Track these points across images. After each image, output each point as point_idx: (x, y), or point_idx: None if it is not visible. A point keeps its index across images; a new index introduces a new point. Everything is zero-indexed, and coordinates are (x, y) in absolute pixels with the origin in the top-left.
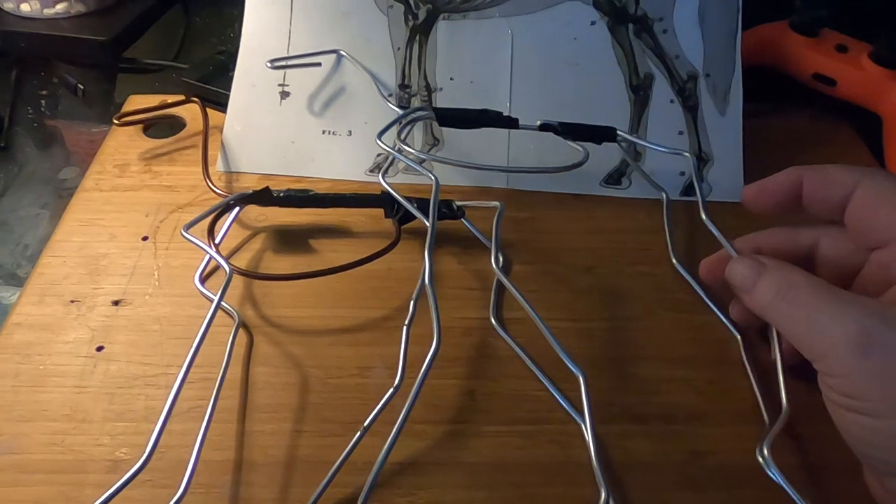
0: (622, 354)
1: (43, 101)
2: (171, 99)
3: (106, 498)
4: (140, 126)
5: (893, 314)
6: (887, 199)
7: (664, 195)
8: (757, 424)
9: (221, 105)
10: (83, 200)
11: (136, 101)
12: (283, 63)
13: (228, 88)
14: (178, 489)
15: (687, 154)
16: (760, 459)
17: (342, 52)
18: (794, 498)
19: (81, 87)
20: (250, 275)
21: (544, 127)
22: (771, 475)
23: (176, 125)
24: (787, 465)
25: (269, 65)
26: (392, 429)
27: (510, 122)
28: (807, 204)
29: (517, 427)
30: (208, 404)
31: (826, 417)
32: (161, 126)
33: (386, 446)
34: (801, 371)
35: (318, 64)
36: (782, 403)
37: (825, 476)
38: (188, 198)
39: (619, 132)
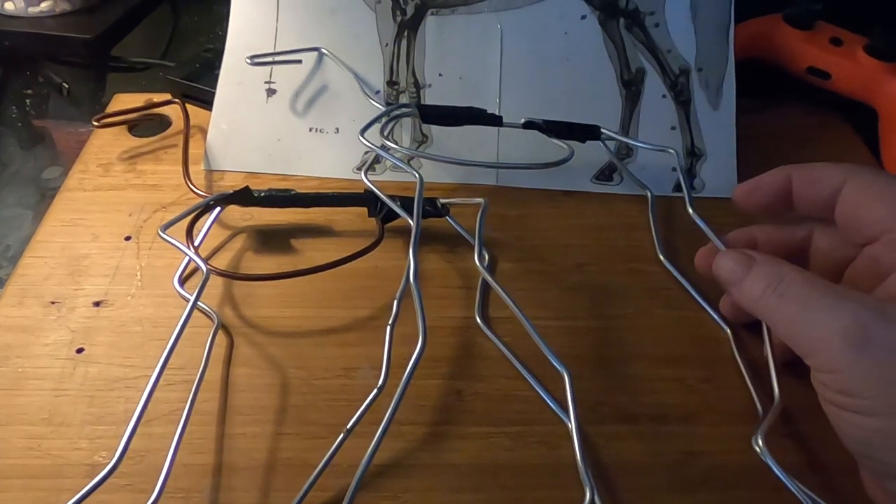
0: (612, 353)
1: (28, 101)
2: (156, 98)
3: (74, 502)
4: (125, 125)
5: (890, 309)
6: (874, 194)
7: (649, 193)
8: (751, 424)
9: (208, 103)
10: (66, 200)
11: (121, 101)
12: (262, 59)
13: (215, 86)
14: (153, 493)
15: (671, 151)
16: (756, 448)
17: (323, 50)
18: (791, 487)
19: (66, 86)
20: (228, 275)
21: (529, 125)
22: (767, 463)
23: (163, 123)
24: (787, 464)
25: (248, 61)
26: (376, 429)
27: (495, 120)
28: (797, 203)
29: (505, 428)
30: (186, 406)
31: (825, 415)
32: (147, 124)
33: (371, 448)
34: (795, 367)
35: (299, 61)
36: (775, 395)
37: (826, 475)
38: (172, 197)
39: (603, 130)
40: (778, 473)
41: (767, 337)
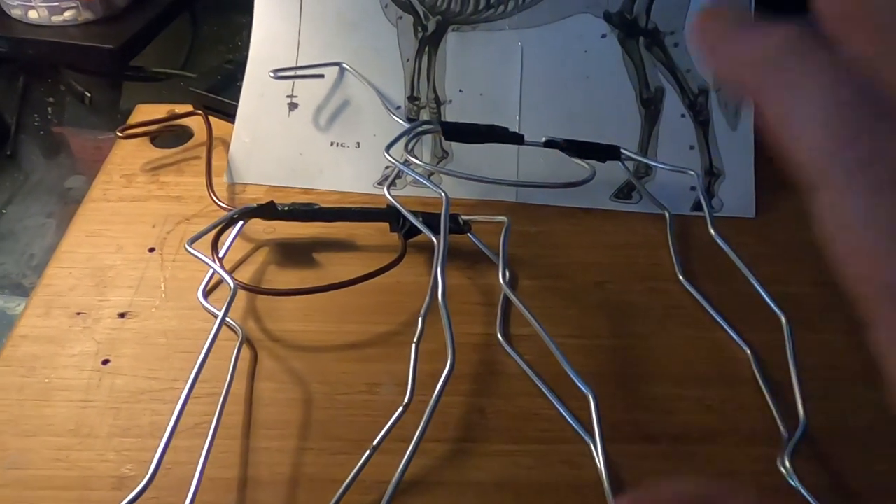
0: (633, 372)
1: (50, 109)
2: (178, 109)
3: None
4: (147, 136)
5: None
6: None
7: (667, 213)
8: (773, 444)
9: (229, 115)
10: (90, 211)
11: (143, 111)
12: (285, 73)
13: (236, 98)
14: None
15: (692, 172)
16: (782, 470)
17: (345, 65)
18: None
19: (88, 94)
20: (255, 290)
21: (549, 143)
22: (793, 485)
23: (184, 135)
24: (811, 486)
25: (271, 74)
26: (400, 446)
27: (516, 138)
28: None
29: (527, 446)
30: (213, 420)
31: (853, 437)
32: (169, 135)
33: (401, 467)
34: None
35: (321, 75)
36: (800, 416)
37: (851, 499)
38: (195, 209)
39: (623, 150)
40: (806, 496)
41: (792, 352)
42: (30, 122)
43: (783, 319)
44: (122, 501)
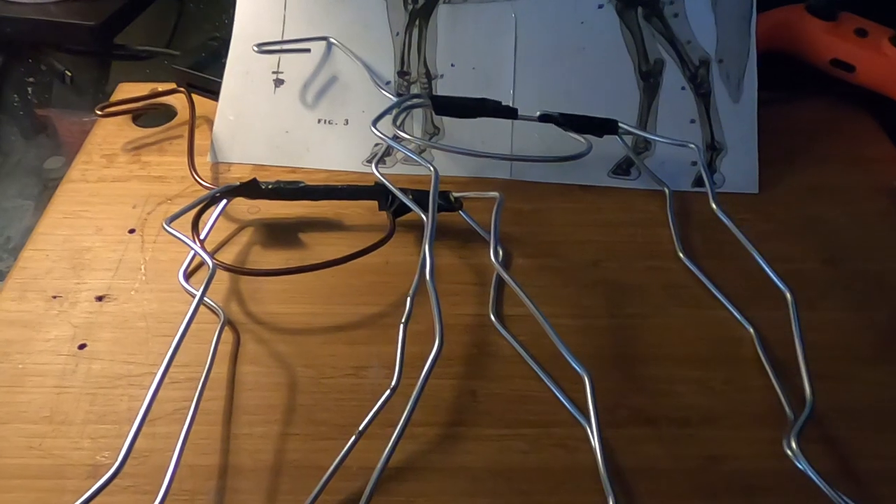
0: (631, 353)
1: (30, 89)
2: (160, 87)
3: None
4: (129, 115)
5: None
6: None
7: (666, 190)
8: (777, 427)
9: (214, 93)
10: (68, 192)
11: (125, 89)
12: (270, 48)
13: (221, 76)
14: (158, 495)
15: (692, 146)
16: (789, 452)
17: (332, 40)
18: (830, 494)
19: (69, 73)
20: (235, 270)
21: (544, 118)
22: (801, 468)
23: (167, 114)
24: (818, 469)
25: (255, 48)
26: (388, 431)
27: (509, 112)
28: None
29: (521, 430)
30: (191, 405)
31: (861, 418)
32: (152, 114)
33: (386, 452)
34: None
35: (308, 50)
36: (806, 397)
37: (861, 482)
38: (177, 189)
39: (621, 125)
40: (814, 478)
41: (798, 332)
42: (9, 102)
43: (789, 297)
44: (90, 489)
